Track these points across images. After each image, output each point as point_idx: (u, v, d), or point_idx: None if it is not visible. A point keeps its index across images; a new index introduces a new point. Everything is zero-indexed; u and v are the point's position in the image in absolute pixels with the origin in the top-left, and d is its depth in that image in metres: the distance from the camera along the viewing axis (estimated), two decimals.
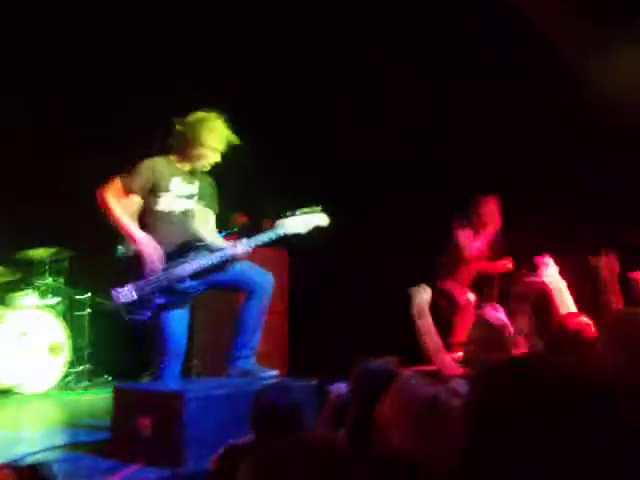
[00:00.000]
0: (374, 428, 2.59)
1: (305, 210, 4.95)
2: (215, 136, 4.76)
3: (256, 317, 4.82)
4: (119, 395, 4.30)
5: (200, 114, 4.80)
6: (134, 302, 4.51)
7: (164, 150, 4.87)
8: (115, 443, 4.17)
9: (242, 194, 7.06)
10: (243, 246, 4.73)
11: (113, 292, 4.50)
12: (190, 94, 5.09)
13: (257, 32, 7.58)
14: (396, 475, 2.35)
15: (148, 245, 4.55)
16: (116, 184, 4.66)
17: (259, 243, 4.81)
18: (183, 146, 4.81)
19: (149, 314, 4.57)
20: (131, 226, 4.59)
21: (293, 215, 4.90)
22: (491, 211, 6.51)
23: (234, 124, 4.86)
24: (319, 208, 5.02)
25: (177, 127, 4.82)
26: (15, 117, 7.45)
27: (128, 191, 4.66)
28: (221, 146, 4.79)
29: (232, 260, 4.75)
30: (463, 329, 5.80)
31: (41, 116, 7.57)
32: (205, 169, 4.91)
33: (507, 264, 6.55)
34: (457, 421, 2.45)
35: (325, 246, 7.37)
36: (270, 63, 7.65)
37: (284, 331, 7.76)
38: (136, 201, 4.69)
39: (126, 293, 4.50)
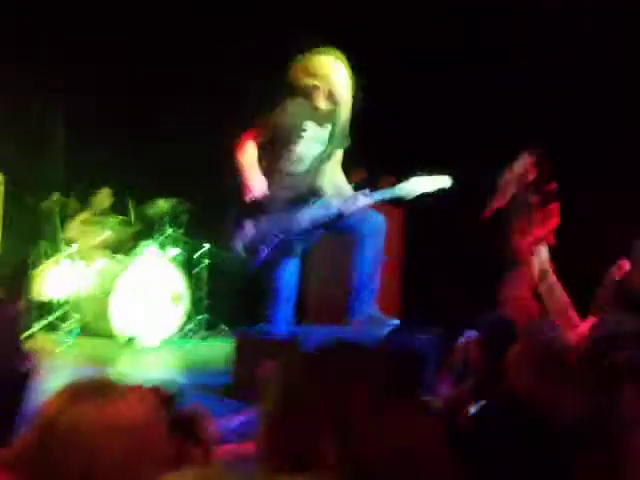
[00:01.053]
0: (503, 377, 2.55)
1: (427, 173, 4.74)
2: (332, 64, 4.58)
3: (371, 259, 4.71)
4: (240, 340, 4.35)
5: (315, 49, 4.62)
6: (252, 241, 4.54)
7: (293, 92, 4.68)
8: (236, 385, 4.24)
9: (362, 149, 7.00)
10: (364, 198, 4.64)
11: (238, 229, 4.53)
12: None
13: None
14: (524, 424, 2.30)
15: (255, 181, 4.51)
16: (250, 132, 4.63)
17: (380, 198, 4.71)
18: (304, 85, 4.63)
19: (266, 252, 4.58)
20: (249, 174, 4.55)
21: (415, 176, 4.71)
22: None
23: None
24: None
25: (294, 65, 4.67)
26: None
27: (260, 133, 4.61)
28: (343, 74, 4.59)
29: (349, 214, 4.67)
30: None
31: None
32: (338, 106, 4.68)
33: None
34: (575, 370, 2.38)
35: (442, 204, 7.30)
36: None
37: (398, 288, 7.71)
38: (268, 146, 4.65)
39: (246, 231, 4.53)
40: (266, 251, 4.58)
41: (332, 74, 4.57)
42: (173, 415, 2.17)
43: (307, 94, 4.63)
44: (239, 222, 4.61)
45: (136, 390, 1.42)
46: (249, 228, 4.55)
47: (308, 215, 4.65)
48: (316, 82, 4.59)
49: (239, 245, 4.59)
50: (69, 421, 1.30)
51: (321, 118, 4.68)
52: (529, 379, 2.39)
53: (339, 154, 4.86)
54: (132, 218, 7.64)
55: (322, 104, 4.65)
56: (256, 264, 4.63)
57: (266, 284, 4.81)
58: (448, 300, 7.16)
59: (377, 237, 4.73)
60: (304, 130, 4.63)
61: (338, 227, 4.75)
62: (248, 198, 4.50)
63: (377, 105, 5.46)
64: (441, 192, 4.76)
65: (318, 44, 4.62)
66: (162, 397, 2.06)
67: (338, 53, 4.60)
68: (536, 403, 2.28)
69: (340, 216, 4.65)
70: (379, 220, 4.75)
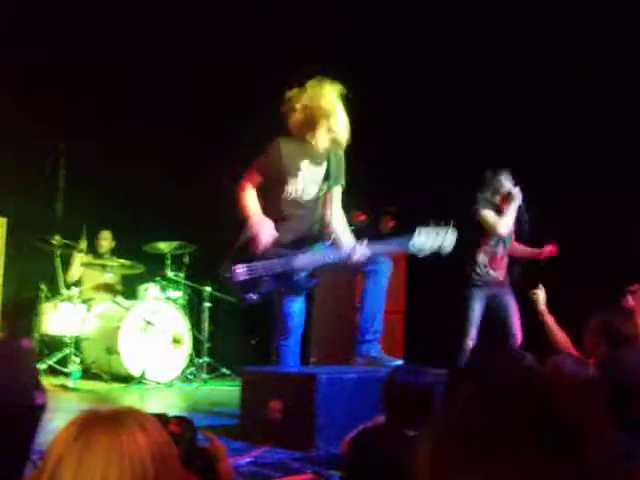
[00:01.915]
0: None
1: (433, 227, 4.51)
2: (331, 97, 4.45)
3: (375, 300, 4.66)
4: (247, 378, 4.32)
5: (312, 81, 4.50)
6: (245, 282, 4.47)
7: (288, 130, 4.58)
8: (243, 426, 4.20)
9: (362, 192, 7.05)
10: (362, 250, 4.47)
11: (233, 268, 4.49)
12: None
13: None
14: None
15: (263, 231, 4.45)
16: (250, 173, 4.62)
17: (379, 251, 4.58)
18: (303, 119, 4.49)
19: (255, 297, 4.51)
20: (252, 210, 4.52)
21: (422, 230, 4.47)
22: None
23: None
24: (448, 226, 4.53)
25: (293, 98, 4.52)
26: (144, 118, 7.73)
27: (257, 176, 4.59)
28: (340, 111, 4.47)
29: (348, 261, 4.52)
30: None
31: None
32: (335, 144, 4.58)
33: None
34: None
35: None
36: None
37: (400, 330, 7.70)
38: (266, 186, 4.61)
39: (239, 272, 4.47)
40: (256, 295, 4.53)
41: (328, 110, 4.45)
42: (191, 446, 2.14)
43: (302, 131, 4.54)
44: (236, 261, 4.56)
45: (147, 420, 1.40)
46: (242, 269, 4.50)
47: (306, 258, 4.56)
48: (312, 118, 4.48)
49: (235, 285, 4.55)
50: (78, 452, 1.29)
51: (317, 157, 4.61)
52: None
53: (337, 193, 4.76)
54: (133, 261, 7.63)
55: (317, 141, 4.53)
56: (250, 301, 4.58)
57: (274, 322, 4.80)
58: (451, 342, 7.15)
59: (384, 280, 4.68)
60: (299, 170, 4.57)
61: (344, 267, 4.69)
62: (260, 250, 4.48)
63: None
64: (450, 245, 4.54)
65: (313, 75, 4.53)
66: (180, 426, 2.04)
67: (333, 86, 4.49)
68: None
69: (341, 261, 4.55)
70: (386, 263, 4.68)
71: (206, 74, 7.94)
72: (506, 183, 5.78)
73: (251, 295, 4.52)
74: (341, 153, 4.69)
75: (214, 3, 7.76)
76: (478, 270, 5.88)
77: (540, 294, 5.04)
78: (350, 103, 4.58)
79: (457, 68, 7.18)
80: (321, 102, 4.43)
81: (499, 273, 5.92)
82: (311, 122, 4.47)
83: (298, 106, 4.48)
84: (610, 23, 6.21)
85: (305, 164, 4.58)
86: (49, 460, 1.31)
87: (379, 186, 7.56)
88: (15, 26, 7.12)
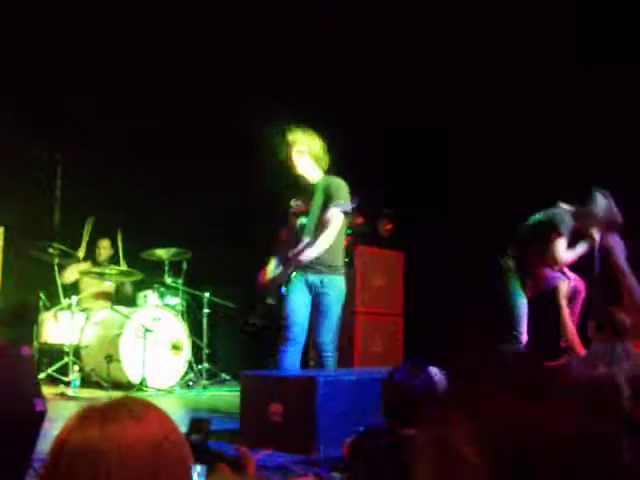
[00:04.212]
0: None
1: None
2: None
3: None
4: (247, 382, 4.32)
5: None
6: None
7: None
8: (244, 430, 4.20)
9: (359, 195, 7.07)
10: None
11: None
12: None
13: None
14: None
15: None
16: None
17: None
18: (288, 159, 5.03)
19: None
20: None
21: None
22: None
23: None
24: None
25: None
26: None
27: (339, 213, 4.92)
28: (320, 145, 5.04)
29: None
30: None
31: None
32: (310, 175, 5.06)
33: None
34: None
35: (441, 246, 7.34)
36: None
37: (400, 331, 7.71)
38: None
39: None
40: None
41: (312, 143, 5.00)
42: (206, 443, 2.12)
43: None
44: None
45: (146, 410, 1.39)
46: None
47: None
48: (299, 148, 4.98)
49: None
50: (78, 439, 1.28)
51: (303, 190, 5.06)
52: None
53: (336, 219, 4.92)
54: (131, 269, 7.63)
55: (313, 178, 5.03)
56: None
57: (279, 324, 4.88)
58: (449, 343, 7.16)
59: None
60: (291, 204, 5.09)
61: None
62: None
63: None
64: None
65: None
66: (194, 423, 2.03)
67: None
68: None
69: None
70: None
71: (204, 78, 7.95)
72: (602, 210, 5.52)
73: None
74: (326, 181, 5.09)
75: None
76: None
77: (563, 287, 5.05)
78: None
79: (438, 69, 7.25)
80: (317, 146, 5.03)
81: None
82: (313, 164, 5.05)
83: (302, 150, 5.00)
84: None
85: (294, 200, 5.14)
86: (49, 458, 1.31)
87: (377, 189, 7.58)
88: (8, 36, 7.14)
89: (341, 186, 4.94)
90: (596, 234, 5.47)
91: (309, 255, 4.75)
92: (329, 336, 4.76)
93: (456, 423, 1.14)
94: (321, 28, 7.88)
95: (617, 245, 4.99)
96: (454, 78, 7.21)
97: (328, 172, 5.11)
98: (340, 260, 4.93)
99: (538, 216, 5.72)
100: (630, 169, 6.18)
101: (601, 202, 5.44)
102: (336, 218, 4.83)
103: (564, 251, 5.55)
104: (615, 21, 6.35)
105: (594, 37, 6.40)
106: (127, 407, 1.35)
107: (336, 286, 4.84)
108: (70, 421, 1.33)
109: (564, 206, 5.65)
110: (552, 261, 5.53)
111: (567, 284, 5.21)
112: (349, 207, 4.89)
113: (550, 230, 5.57)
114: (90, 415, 1.32)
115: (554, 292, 5.21)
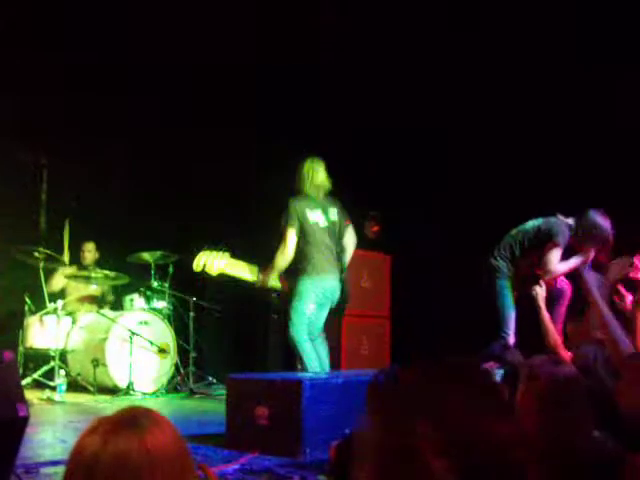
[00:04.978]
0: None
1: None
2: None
3: None
4: (233, 385, 4.32)
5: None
6: None
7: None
8: (230, 433, 4.19)
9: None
10: None
11: None
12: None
13: None
14: None
15: None
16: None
17: None
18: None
19: None
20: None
21: None
22: None
23: None
24: None
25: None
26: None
27: (288, 231, 5.41)
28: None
29: None
30: None
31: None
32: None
33: None
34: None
35: (427, 248, 7.36)
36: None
37: (386, 335, 7.72)
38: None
39: None
40: None
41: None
42: None
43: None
44: None
45: (159, 417, 1.40)
46: None
47: None
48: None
49: None
50: (113, 453, 1.27)
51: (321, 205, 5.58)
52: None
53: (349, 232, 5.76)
54: (116, 272, 7.59)
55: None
56: None
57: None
58: (434, 350, 7.18)
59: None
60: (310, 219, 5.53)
61: None
62: None
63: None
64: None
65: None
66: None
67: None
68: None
69: None
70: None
71: (203, 82, 7.95)
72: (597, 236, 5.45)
73: None
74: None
75: None
76: None
77: (540, 291, 5.07)
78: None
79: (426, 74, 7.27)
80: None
81: None
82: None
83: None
84: None
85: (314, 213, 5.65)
86: (77, 474, 1.29)
87: (362, 191, 7.59)
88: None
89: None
90: (591, 251, 5.47)
91: None
92: None
93: (424, 433, 1.04)
94: (321, 28, 7.89)
95: (592, 279, 4.93)
96: (449, 78, 7.23)
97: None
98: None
99: (536, 222, 5.70)
100: (630, 169, 6.21)
101: (595, 221, 5.44)
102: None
103: (557, 262, 5.55)
104: (615, 21, 6.37)
105: (594, 37, 6.42)
106: (146, 416, 1.36)
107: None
108: (94, 434, 1.31)
109: (562, 218, 5.64)
110: (544, 270, 5.53)
111: (543, 287, 5.19)
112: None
113: (547, 239, 5.57)
114: (117, 427, 1.31)
115: (532, 294, 5.20)
